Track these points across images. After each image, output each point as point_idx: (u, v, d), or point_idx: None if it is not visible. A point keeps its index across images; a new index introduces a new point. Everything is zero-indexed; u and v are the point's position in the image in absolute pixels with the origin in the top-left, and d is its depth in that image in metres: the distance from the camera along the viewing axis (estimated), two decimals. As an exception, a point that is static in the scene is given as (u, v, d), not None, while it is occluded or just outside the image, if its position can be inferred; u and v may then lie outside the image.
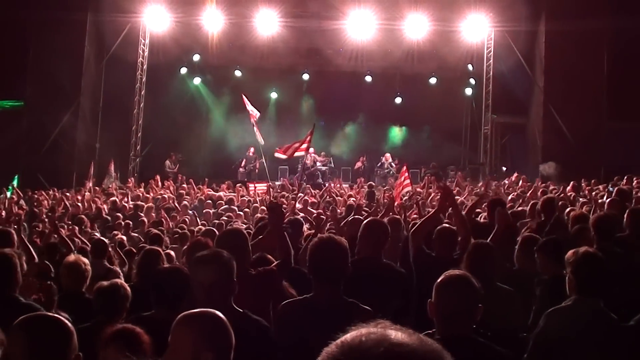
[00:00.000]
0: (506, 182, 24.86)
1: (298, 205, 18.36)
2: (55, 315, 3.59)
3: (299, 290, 6.26)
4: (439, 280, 4.49)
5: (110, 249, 11.42)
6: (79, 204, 21.02)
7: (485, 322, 4.72)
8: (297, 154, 23.16)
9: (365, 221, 7.62)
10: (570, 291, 5.74)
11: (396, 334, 1.83)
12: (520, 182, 24.27)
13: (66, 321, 3.60)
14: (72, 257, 7.82)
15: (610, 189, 19.89)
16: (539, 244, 7.59)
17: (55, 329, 3.59)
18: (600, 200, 15.52)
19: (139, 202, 21.30)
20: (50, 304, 6.49)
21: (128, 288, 6.30)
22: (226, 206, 20.65)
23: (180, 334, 3.56)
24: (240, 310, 4.68)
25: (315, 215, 15.57)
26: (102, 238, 12.48)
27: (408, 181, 19.95)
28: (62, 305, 6.95)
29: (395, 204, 15.35)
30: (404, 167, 21.48)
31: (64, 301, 7.04)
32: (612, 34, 26.98)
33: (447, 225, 8.89)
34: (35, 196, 22.88)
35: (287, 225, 7.67)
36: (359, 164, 32.28)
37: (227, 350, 3.60)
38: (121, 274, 9.87)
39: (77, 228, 15.64)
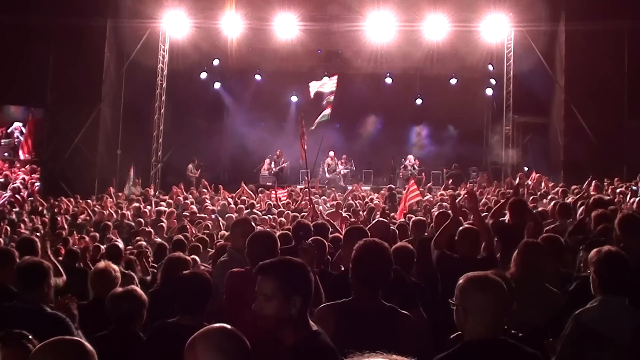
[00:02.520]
0: (529, 182, 24.73)
1: (321, 209, 18.41)
2: (75, 339, 3.55)
3: (328, 294, 6.25)
4: (459, 282, 4.44)
5: (133, 256, 11.47)
6: (103, 211, 21.09)
7: (528, 321, 4.69)
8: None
9: (347, 229, 7.65)
10: (595, 291, 5.70)
11: None
12: (543, 182, 24.20)
13: (86, 344, 3.57)
14: (102, 264, 7.87)
15: (634, 187, 19.79)
16: (586, 244, 7.53)
17: (76, 353, 3.54)
18: (631, 200, 15.45)
19: (161, 209, 21.35)
20: (71, 317, 6.51)
21: (143, 294, 6.30)
22: (248, 210, 20.67)
23: (198, 352, 3.49)
24: (316, 328, 4.35)
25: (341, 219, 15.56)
26: (116, 243, 12.53)
27: (417, 192, 19.76)
28: (92, 310, 6.99)
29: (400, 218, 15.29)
30: (412, 181, 21.26)
31: (94, 307, 7.07)
32: (632, 32, 26.78)
33: (469, 225, 8.86)
34: (57, 203, 22.96)
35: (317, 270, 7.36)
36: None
37: None
38: (136, 278, 9.88)
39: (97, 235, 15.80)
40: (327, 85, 24.89)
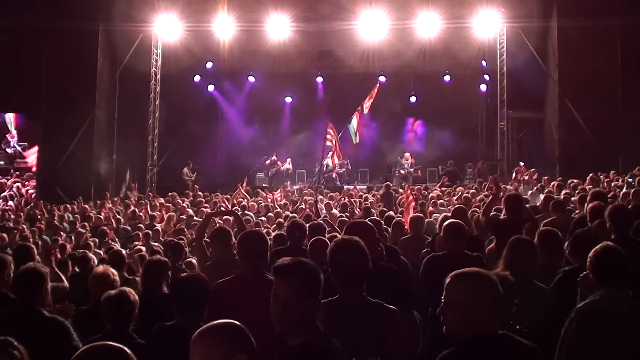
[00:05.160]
0: (526, 177, 24.78)
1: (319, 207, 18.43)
2: (119, 345, 3.53)
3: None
4: (447, 280, 4.44)
5: (133, 260, 11.49)
6: (100, 216, 21.05)
7: (520, 319, 4.69)
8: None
9: (349, 224, 7.67)
10: (594, 284, 5.69)
11: None
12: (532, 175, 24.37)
13: (128, 350, 3.55)
14: (101, 268, 7.87)
15: (629, 180, 19.83)
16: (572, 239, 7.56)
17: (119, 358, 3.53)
18: (624, 191, 15.48)
19: (157, 212, 21.36)
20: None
21: (135, 295, 6.31)
22: (240, 212, 20.62)
23: (206, 345, 3.51)
24: (321, 329, 4.31)
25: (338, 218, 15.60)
26: (119, 249, 12.51)
27: (411, 198, 19.57)
28: (91, 315, 6.99)
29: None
30: (407, 188, 20.88)
31: (93, 312, 7.07)
32: (624, 29, 26.82)
33: (454, 220, 8.89)
34: (56, 211, 22.91)
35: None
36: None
37: (255, 354, 3.56)
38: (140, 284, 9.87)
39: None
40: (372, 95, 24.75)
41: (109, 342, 3.56)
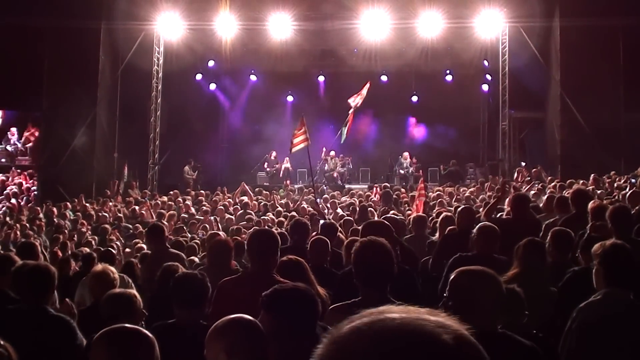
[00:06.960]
0: (529, 179, 24.78)
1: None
2: (138, 327, 3.54)
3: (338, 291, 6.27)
4: (451, 276, 4.44)
5: (133, 259, 11.50)
6: (101, 214, 21.03)
7: (536, 322, 4.67)
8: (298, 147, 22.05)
9: (364, 224, 7.62)
10: (598, 284, 5.68)
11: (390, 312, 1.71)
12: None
13: (148, 332, 3.56)
14: (99, 267, 7.85)
15: (632, 180, 19.80)
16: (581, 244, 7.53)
17: (138, 340, 3.57)
18: (623, 192, 15.48)
19: (160, 211, 21.35)
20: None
21: (138, 295, 6.27)
22: (242, 211, 20.63)
23: (212, 344, 3.55)
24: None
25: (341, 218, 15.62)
26: (109, 248, 12.54)
27: (423, 192, 19.52)
28: (91, 314, 6.98)
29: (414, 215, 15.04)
30: (421, 182, 20.81)
31: (93, 310, 7.06)
32: (626, 29, 26.76)
33: (488, 223, 8.78)
34: (55, 209, 22.90)
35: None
36: None
37: (260, 352, 3.56)
38: (131, 282, 9.83)
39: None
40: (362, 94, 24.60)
41: (129, 325, 3.58)
